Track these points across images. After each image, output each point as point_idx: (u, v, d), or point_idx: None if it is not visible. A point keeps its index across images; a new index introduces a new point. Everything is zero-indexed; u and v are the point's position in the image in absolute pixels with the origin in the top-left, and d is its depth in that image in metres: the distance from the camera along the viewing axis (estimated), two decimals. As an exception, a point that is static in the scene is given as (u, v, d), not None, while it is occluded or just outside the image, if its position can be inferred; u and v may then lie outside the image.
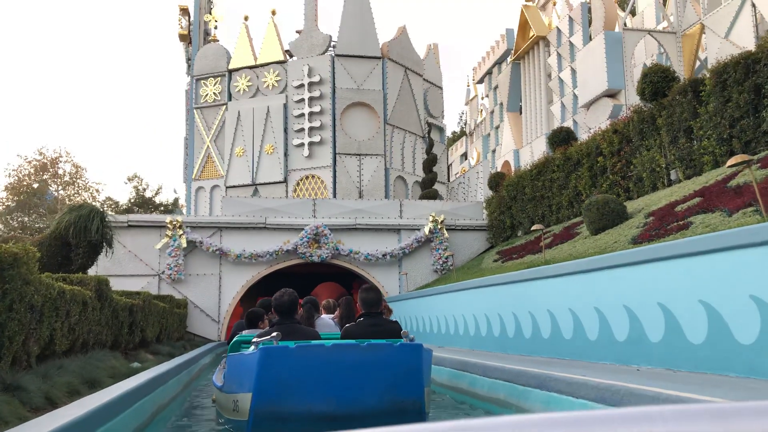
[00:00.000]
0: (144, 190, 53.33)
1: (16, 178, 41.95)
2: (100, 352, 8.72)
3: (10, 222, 38.15)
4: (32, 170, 42.20)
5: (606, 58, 22.83)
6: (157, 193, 51.99)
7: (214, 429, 5.48)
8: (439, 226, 20.28)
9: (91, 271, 20.15)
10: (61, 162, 45.34)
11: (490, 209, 20.28)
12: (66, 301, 7.34)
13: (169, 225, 19.45)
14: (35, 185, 42.23)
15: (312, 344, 4.59)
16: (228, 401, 5.02)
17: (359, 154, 24.89)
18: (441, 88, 29.80)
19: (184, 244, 19.38)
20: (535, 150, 28.38)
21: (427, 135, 26.70)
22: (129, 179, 54.17)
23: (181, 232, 19.47)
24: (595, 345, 6.54)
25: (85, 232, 14.12)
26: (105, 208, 14.84)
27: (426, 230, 20.27)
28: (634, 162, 12.46)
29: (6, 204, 43.44)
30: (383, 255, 20.07)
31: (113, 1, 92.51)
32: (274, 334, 4.67)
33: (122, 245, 19.54)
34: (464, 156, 48.48)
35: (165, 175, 79.97)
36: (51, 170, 43.61)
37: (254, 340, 4.83)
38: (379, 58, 25.80)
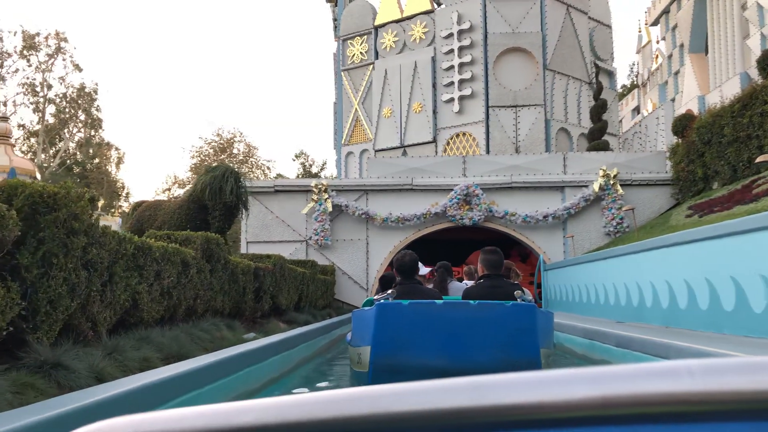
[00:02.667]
0: (310, 165, 54.74)
1: (199, 158, 44.68)
2: (209, 321, 7.58)
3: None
4: (211, 151, 44.70)
5: (828, -33, 18.16)
6: (322, 168, 53.02)
7: None
8: (611, 182, 17.38)
9: (242, 238, 19.98)
10: (235, 142, 47.83)
11: (676, 159, 16.94)
12: (153, 259, 6.15)
13: (314, 189, 18.56)
14: (214, 165, 44.72)
15: (423, 302, 4.77)
16: (354, 354, 5.43)
17: (515, 106, 22.34)
18: (609, 26, 26.06)
19: (330, 208, 18.40)
20: (727, 94, 23.89)
21: (594, 79, 23.38)
22: (296, 156, 55.88)
23: (326, 195, 18.49)
24: None
25: (220, 194, 13.41)
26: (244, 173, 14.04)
27: (595, 186, 17.47)
28: None
29: (192, 184, 46.50)
30: (544, 217, 17.63)
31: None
32: (390, 291, 5.05)
33: (269, 210, 19.05)
34: (636, 111, 43.56)
35: (321, 146, 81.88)
36: (228, 151, 46.14)
37: (374, 298, 5.29)
38: (536, -5, 22.90)
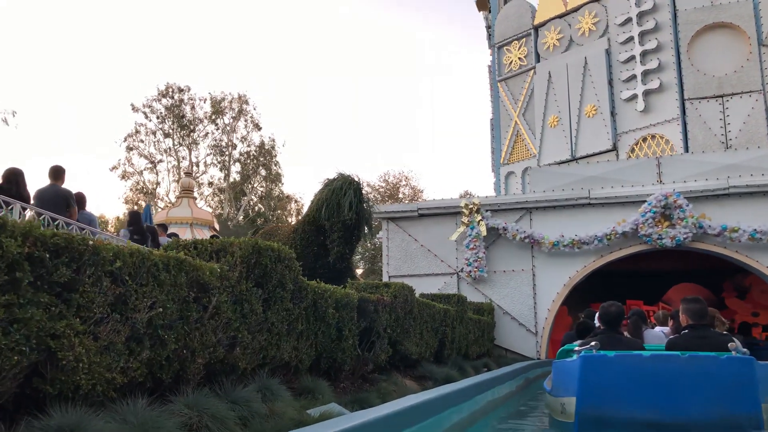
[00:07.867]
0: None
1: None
2: (255, 384, 4.57)
3: (366, 245, 39.75)
4: (379, 197, 43.73)
5: None
6: (488, 208, 49.67)
7: None
8: None
9: (384, 271, 17.14)
10: (401, 186, 46.52)
11: None
12: (106, 273, 3.30)
13: (464, 210, 15.32)
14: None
15: (630, 353, 4.74)
16: (556, 404, 5.50)
17: (721, 96, 17.49)
18: None
19: (484, 233, 15.02)
20: None
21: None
22: (461, 197, 53.15)
23: (479, 217, 15.15)
24: None
25: (338, 211, 10.69)
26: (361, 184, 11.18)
27: None
28: None
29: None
30: (782, 231, 12.76)
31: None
32: (593, 343, 4.89)
33: (413, 238, 16.10)
34: None
35: (483, 178, 77.62)
36: (394, 196, 45.07)
37: (576, 348, 5.07)
38: (742, -44, 18.09)
